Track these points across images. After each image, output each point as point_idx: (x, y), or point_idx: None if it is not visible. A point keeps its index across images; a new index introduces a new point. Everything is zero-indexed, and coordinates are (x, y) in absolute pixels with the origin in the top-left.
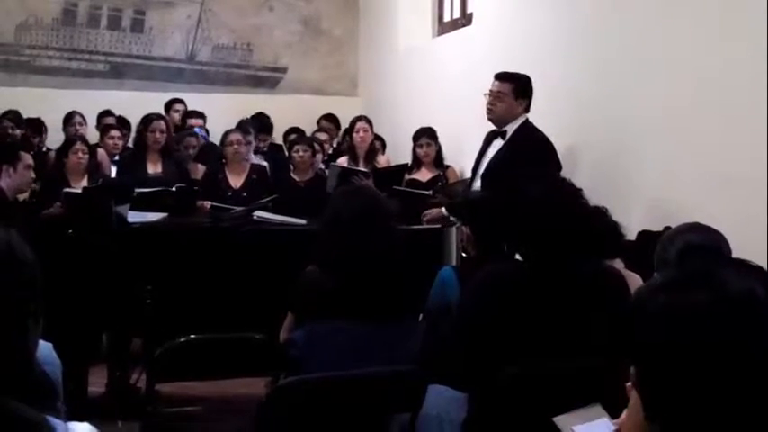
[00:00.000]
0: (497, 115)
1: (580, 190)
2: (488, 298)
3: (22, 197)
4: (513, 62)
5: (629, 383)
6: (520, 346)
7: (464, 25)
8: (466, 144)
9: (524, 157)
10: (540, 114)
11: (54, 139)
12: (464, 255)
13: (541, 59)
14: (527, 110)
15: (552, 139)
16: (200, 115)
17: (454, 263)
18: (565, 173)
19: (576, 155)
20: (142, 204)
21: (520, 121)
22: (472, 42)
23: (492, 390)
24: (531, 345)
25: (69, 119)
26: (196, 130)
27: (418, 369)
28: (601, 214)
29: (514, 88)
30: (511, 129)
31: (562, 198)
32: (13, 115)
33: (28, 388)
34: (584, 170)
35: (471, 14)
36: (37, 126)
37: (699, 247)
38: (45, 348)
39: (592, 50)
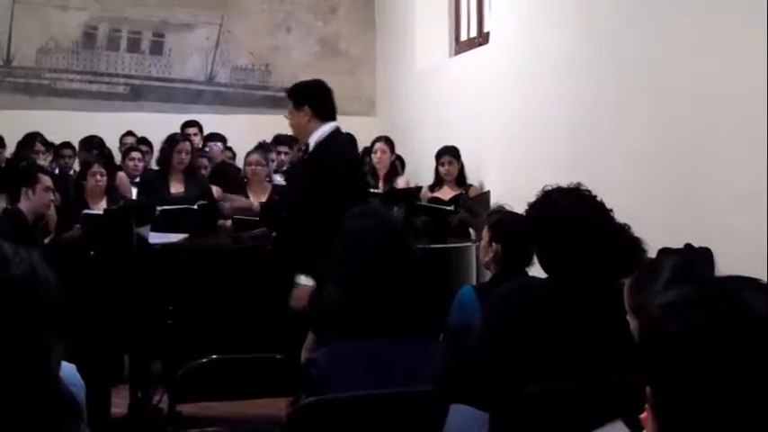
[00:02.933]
0: (295, 133)
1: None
2: (511, 315)
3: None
4: (531, 81)
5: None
6: (543, 364)
7: (481, 44)
8: (485, 162)
9: (310, 174)
10: (557, 134)
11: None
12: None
13: (559, 78)
14: (322, 117)
15: (570, 157)
16: (220, 137)
17: (475, 281)
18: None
19: (592, 172)
20: (164, 223)
21: (319, 132)
22: (489, 61)
23: (514, 408)
24: (554, 362)
25: (87, 143)
26: (212, 145)
27: (440, 388)
28: (624, 230)
29: (293, 102)
30: (312, 143)
31: (592, 214)
32: (41, 138)
33: (53, 409)
34: (602, 186)
35: (488, 33)
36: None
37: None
38: (69, 370)
39: (610, 70)
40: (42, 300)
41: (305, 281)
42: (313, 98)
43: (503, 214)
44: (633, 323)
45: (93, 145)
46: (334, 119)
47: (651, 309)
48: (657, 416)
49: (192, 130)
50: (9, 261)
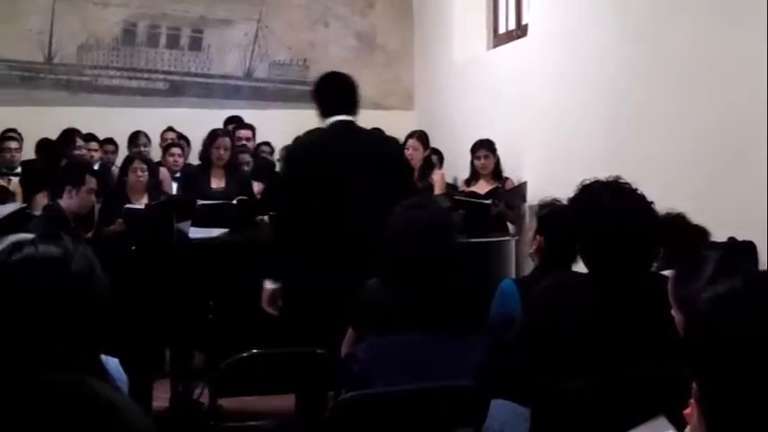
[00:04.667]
0: None
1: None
2: (553, 309)
3: None
4: (569, 73)
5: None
6: (585, 359)
7: (519, 37)
8: (523, 155)
9: None
10: (595, 126)
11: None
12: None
13: (597, 71)
14: (326, 113)
15: (607, 150)
16: (249, 126)
17: (514, 275)
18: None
19: (630, 164)
20: (204, 217)
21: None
22: (527, 54)
23: (556, 404)
24: (596, 357)
25: (134, 138)
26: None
27: (481, 383)
28: (675, 221)
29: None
30: None
31: (633, 206)
32: (80, 134)
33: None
34: (640, 179)
35: (526, 26)
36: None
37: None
38: (113, 364)
39: (647, 61)
40: (97, 295)
41: (269, 284)
42: (318, 93)
43: (553, 207)
44: (678, 317)
45: (139, 140)
46: (344, 112)
47: (698, 303)
48: (704, 412)
49: (244, 133)
50: (72, 256)
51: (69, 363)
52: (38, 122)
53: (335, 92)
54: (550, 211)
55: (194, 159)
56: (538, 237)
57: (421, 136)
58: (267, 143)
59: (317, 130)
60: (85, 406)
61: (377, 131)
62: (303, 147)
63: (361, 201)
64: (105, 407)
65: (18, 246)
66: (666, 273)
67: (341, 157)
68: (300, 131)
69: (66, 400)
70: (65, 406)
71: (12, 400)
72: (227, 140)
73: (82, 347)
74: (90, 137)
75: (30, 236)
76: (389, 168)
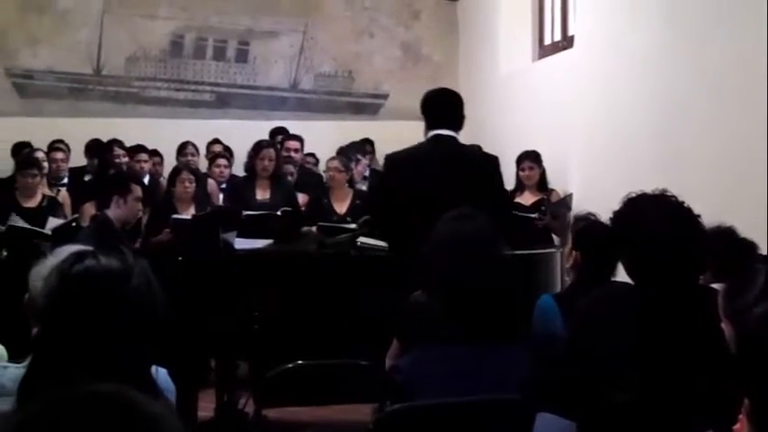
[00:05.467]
0: None
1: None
2: (600, 323)
3: None
4: (615, 84)
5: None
6: (632, 373)
7: (565, 48)
8: (569, 167)
9: None
10: (642, 137)
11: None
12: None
13: (644, 82)
14: (429, 126)
15: (654, 161)
16: (297, 138)
17: (559, 287)
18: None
19: (678, 175)
20: (248, 228)
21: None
22: (574, 65)
23: (602, 417)
24: (643, 371)
25: (182, 149)
26: None
27: (526, 396)
28: (724, 235)
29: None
30: None
31: (680, 220)
32: (120, 144)
33: None
34: (688, 190)
35: (572, 37)
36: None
37: None
38: (162, 374)
39: (695, 72)
40: (153, 310)
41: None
42: (425, 108)
43: (587, 222)
44: (729, 331)
45: (186, 151)
46: (446, 127)
47: (749, 318)
48: (755, 428)
49: (292, 144)
50: (131, 270)
51: (120, 374)
52: (86, 133)
53: (440, 107)
54: (585, 226)
55: (240, 171)
56: (574, 252)
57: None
58: (312, 154)
59: (412, 148)
60: (124, 416)
61: (475, 147)
62: (402, 158)
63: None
64: (143, 417)
65: (80, 257)
66: (715, 286)
67: (436, 170)
68: (345, 142)
69: (104, 411)
70: (103, 416)
71: (53, 410)
72: (271, 151)
73: (135, 360)
74: (139, 148)
75: (84, 247)
76: (484, 183)
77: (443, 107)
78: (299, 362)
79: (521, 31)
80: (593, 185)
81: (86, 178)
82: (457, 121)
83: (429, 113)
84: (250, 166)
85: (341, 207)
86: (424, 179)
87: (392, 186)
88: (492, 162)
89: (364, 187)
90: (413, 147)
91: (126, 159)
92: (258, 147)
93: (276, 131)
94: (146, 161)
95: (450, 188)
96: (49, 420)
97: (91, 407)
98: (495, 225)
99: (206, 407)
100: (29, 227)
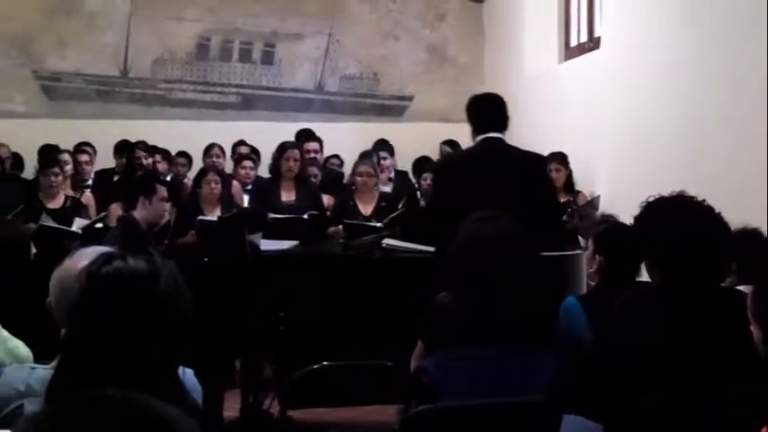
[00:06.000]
0: None
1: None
2: (627, 326)
3: None
4: (643, 86)
5: None
6: (659, 375)
7: (591, 49)
8: (595, 169)
9: None
10: (669, 139)
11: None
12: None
13: (672, 83)
14: (478, 130)
15: (682, 163)
16: (317, 139)
17: (585, 289)
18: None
19: (706, 177)
20: (275, 230)
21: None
22: (600, 66)
23: (629, 419)
24: (671, 373)
25: (208, 150)
26: None
27: (553, 398)
28: (750, 236)
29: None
30: None
31: (701, 220)
32: (143, 145)
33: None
34: (718, 192)
35: (599, 38)
36: (168, 155)
37: None
38: (189, 375)
39: (724, 73)
40: (181, 312)
41: None
42: (472, 112)
43: (608, 225)
44: (757, 333)
45: (212, 152)
46: (494, 130)
47: None
48: None
49: (312, 146)
50: (160, 273)
51: (148, 375)
52: (113, 135)
53: (487, 111)
54: (606, 229)
55: (265, 172)
56: (597, 257)
57: None
58: (336, 156)
59: (461, 150)
60: (136, 421)
61: (523, 150)
62: (453, 160)
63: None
64: (156, 423)
65: (108, 258)
66: (743, 288)
67: (487, 172)
68: (370, 144)
69: (116, 416)
70: (115, 422)
71: (64, 415)
72: (296, 152)
73: (163, 361)
74: (153, 149)
75: (106, 248)
76: (533, 184)
77: (490, 110)
78: (324, 363)
79: (547, 33)
80: (619, 187)
81: (116, 179)
82: (503, 122)
83: (476, 118)
84: (275, 167)
85: (366, 209)
86: (477, 181)
87: (445, 188)
88: (541, 162)
89: (389, 189)
90: (464, 149)
91: (151, 161)
92: (282, 148)
93: (302, 133)
94: (158, 162)
95: (502, 189)
96: (61, 425)
97: (103, 412)
98: (540, 224)
99: (231, 407)
100: (59, 227)
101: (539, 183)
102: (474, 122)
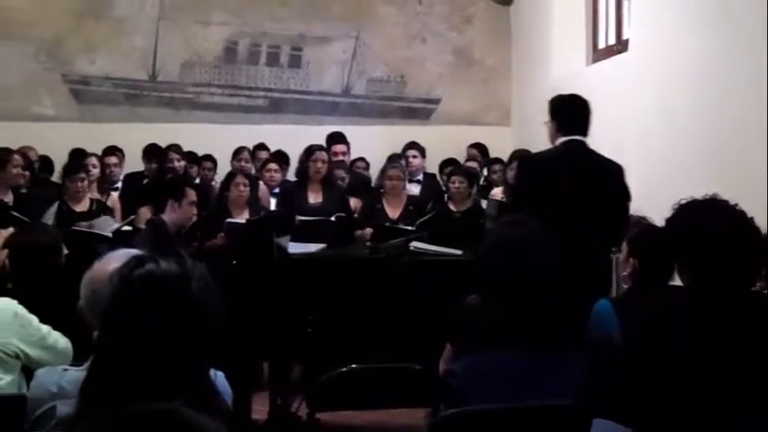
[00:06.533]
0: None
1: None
2: (657, 330)
3: None
4: (671, 89)
5: None
6: (689, 380)
7: (620, 52)
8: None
9: None
10: (698, 143)
11: (219, 173)
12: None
13: (701, 86)
14: (564, 131)
15: (711, 166)
16: (344, 142)
17: (614, 292)
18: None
19: (735, 181)
20: (302, 233)
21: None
22: (628, 69)
23: (659, 424)
24: (701, 378)
25: (237, 153)
26: None
27: (582, 403)
28: None
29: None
30: None
31: (733, 223)
32: (176, 148)
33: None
34: (747, 195)
35: (627, 41)
36: (196, 159)
37: None
38: (220, 378)
39: (754, 75)
40: (213, 315)
41: None
42: (559, 112)
43: (641, 228)
44: None
45: (241, 155)
46: (578, 133)
47: None
48: None
49: (339, 148)
50: (191, 275)
51: (181, 378)
52: (141, 138)
53: (575, 112)
54: (640, 231)
55: (293, 176)
56: (631, 260)
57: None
58: (362, 158)
59: (543, 153)
60: None
61: (605, 158)
62: (535, 162)
63: (579, 218)
64: None
65: (140, 261)
66: None
67: (568, 176)
68: (398, 147)
69: (157, 429)
70: None
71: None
72: (323, 154)
73: (195, 363)
74: (185, 153)
75: (138, 251)
76: (611, 192)
77: (578, 113)
78: (353, 365)
79: (574, 35)
80: (648, 189)
81: (144, 182)
82: (587, 126)
83: (562, 118)
84: (302, 170)
85: (394, 212)
86: (557, 183)
87: (525, 188)
88: (620, 171)
89: (416, 190)
90: (546, 150)
91: (182, 164)
92: (310, 150)
93: (333, 136)
94: (191, 167)
95: (580, 193)
96: None
97: (145, 425)
98: (608, 231)
99: (260, 410)
100: (91, 230)
101: (616, 191)
102: (559, 122)
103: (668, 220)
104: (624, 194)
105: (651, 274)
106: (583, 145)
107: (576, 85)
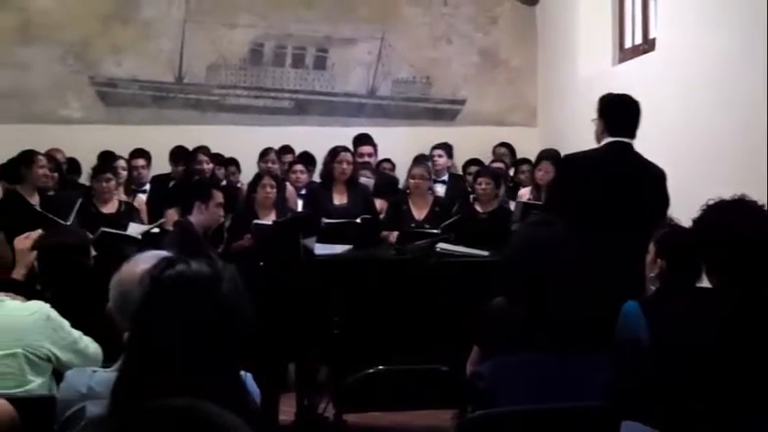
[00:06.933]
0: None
1: None
2: (684, 330)
3: None
4: (699, 88)
5: None
6: (718, 382)
7: (646, 51)
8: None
9: None
10: (726, 143)
11: (245, 175)
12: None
13: (729, 86)
14: (611, 132)
15: (739, 168)
16: (371, 143)
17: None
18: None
19: (763, 182)
20: (328, 235)
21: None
22: (655, 69)
23: (685, 426)
24: (729, 381)
25: (264, 155)
26: None
27: (610, 404)
28: None
29: (597, 111)
30: None
31: (760, 225)
32: (204, 150)
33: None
34: None
35: (654, 40)
36: (223, 161)
37: None
38: (249, 379)
39: None
40: (242, 316)
41: None
42: (605, 111)
43: (669, 229)
44: None
45: (268, 157)
46: (625, 135)
47: None
48: None
49: (366, 150)
50: (222, 277)
51: (211, 380)
52: (168, 140)
53: (624, 114)
54: (668, 233)
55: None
56: (659, 260)
57: (555, 157)
58: (388, 160)
59: (587, 153)
60: (197, 430)
61: (648, 161)
62: (577, 161)
63: (617, 220)
64: (216, 430)
65: (171, 262)
66: None
67: (608, 176)
68: (423, 148)
69: (178, 425)
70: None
71: (130, 425)
72: (348, 155)
73: (225, 364)
74: (214, 155)
75: (166, 252)
76: (652, 197)
77: (625, 114)
78: (380, 367)
79: (600, 35)
80: (674, 190)
81: (172, 185)
82: (635, 128)
83: (610, 118)
84: (327, 171)
85: (420, 213)
86: (597, 184)
87: (566, 188)
88: (663, 176)
89: (441, 191)
90: (589, 150)
91: (211, 166)
92: (335, 151)
93: (359, 138)
94: (219, 169)
95: (621, 196)
96: None
97: (165, 421)
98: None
99: (286, 411)
100: (120, 232)
101: (657, 197)
102: (606, 122)
103: (696, 221)
104: (664, 200)
105: (679, 275)
106: (628, 147)
107: (602, 85)
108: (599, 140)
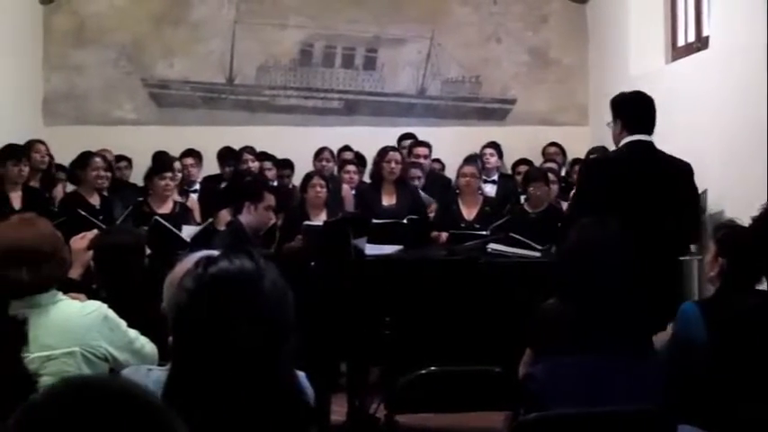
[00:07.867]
0: (614, 143)
1: None
2: (743, 335)
3: None
4: (753, 87)
5: None
6: (762, 385)
7: (700, 49)
8: (702, 171)
9: None
10: None
11: (297, 175)
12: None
13: None
14: (632, 130)
15: None
16: (426, 144)
17: (696, 295)
18: None
19: None
20: (376, 236)
21: (621, 144)
22: (709, 67)
23: (741, 428)
24: None
25: (318, 154)
26: None
27: (665, 407)
28: None
29: (611, 113)
30: None
31: None
32: (249, 149)
33: (298, 414)
34: None
35: (707, 38)
36: (277, 163)
37: None
38: (302, 378)
39: None
40: (285, 312)
41: None
42: (624, 111)
43: (730, 228)
44: None
45: (322, 156)
46: (644, 132)
47: None
48: None
49: (421, 151)
50: (263, 273)
51: (257, 374)
52: (219, 141)
53: (641, 111)
54: (729, 232)
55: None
56: (719, 259)
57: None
58: (438, 160)
59: (614, 152)
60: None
61: (672, 157)
62: (600, 161)
63: (647, 221)
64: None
65: (212, 259)
66: None
67: (635, 177)
68: (473, 148)
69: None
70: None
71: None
72: (397, 155)
73: (270, 362)
74: (263, 155)
75: (215, 252)
76: (679, 193)
77: (642, 111)
78: (432, 368)
79: (652, 33)
80: (730, 190)
81: (223, 185)
82: (653, 125)
83: (628, 117)
84: (376, 171)
85: (470, 213)
86: (623, 186)
87: (590, 190)
88: (689, 170)
89: (491, 190)
90: (612, 152)
91: (256, 165)
92: (384, 151)
93: (404, 137)
94: (269, 169)
95: (648, 194)
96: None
97: (88, 396)
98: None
99: (338, 411)
100: (171, 227)
101: (684, 191)
102: (625, 122)
103: (756, 219)
104: (693, 195)
105: (740, 275)
106: (650, 145)
107: (654, 85)
108: (617, 142)
